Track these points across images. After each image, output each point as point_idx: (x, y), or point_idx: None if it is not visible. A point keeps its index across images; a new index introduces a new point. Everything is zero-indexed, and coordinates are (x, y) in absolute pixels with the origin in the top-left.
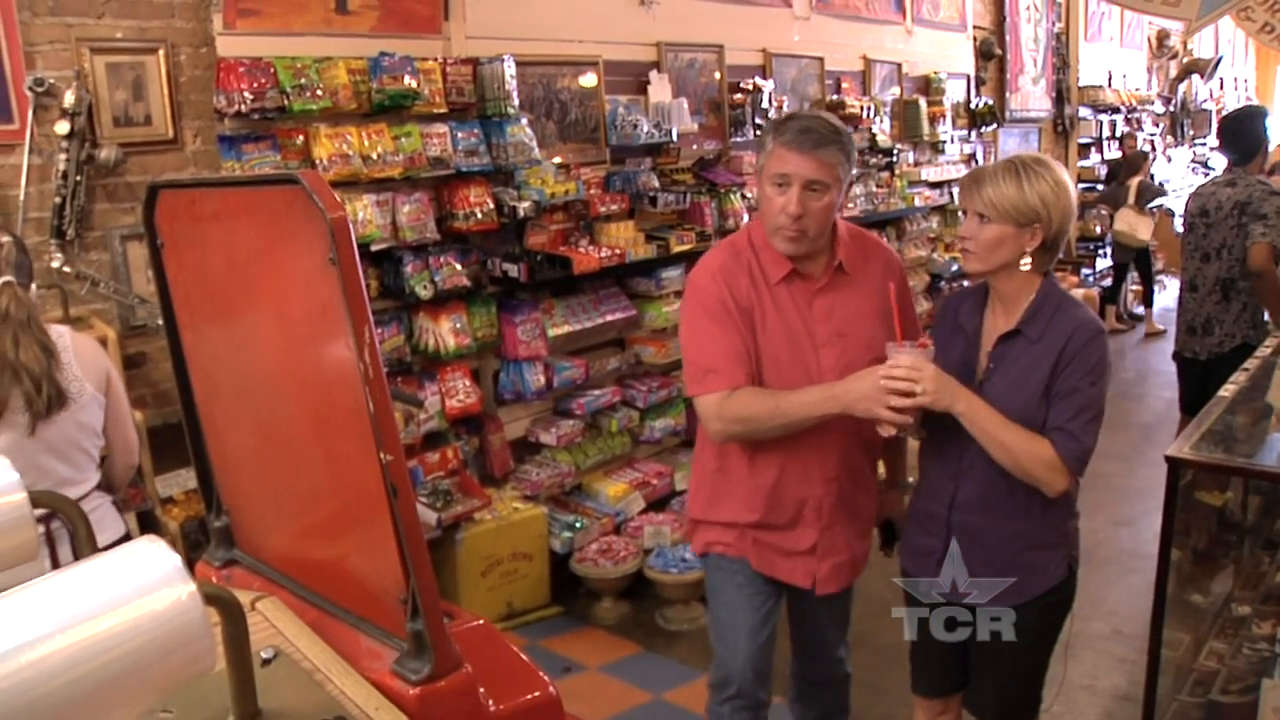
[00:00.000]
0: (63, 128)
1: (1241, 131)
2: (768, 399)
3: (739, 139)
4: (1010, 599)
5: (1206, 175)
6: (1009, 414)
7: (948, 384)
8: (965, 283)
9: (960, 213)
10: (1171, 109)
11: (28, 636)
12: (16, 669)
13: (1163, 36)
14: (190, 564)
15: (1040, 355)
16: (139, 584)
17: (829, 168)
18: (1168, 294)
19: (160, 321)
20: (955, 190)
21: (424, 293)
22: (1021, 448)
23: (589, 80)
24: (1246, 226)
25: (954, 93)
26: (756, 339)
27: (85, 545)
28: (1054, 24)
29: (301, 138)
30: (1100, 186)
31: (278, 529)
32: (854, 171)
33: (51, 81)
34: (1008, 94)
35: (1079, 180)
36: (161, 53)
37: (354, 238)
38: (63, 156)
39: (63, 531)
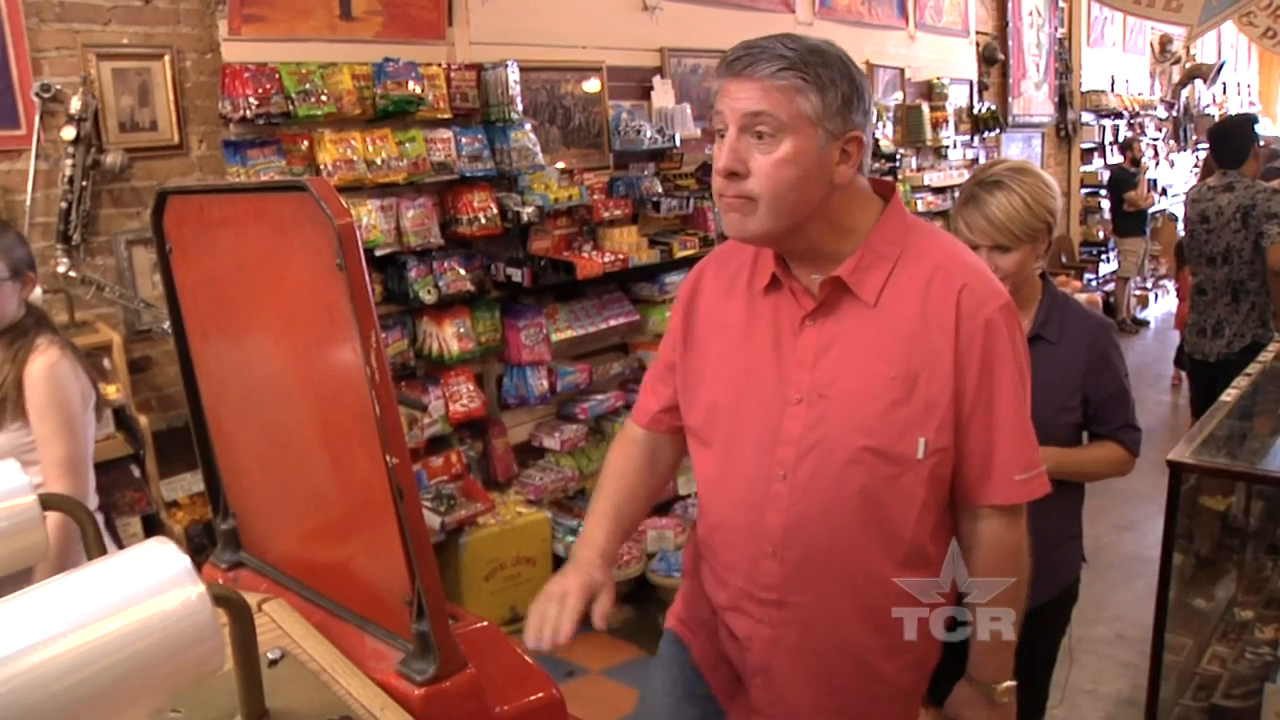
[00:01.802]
0: (69, 133)
1: (1229, 137)
2: (604, 480)
3: None
4: (1035, 599)
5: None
6: (1045, 416)
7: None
8: None
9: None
10: (1174, 114)
11: (39, 635)
12: (28, 667)
13: (1165, 41)
14: (195, 567)
15: (1065, 356)
16: (149, 584)
17: (779, 96)
18: (1168, 298)
19: (165, 326)
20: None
21: (428, 297)
22: (1099, 464)
23: (592, 86)
24: (1257, 229)
25: (957, 98)
26: (701, 365)
27: (94, 547)
28: (1056, 29)
29: (306, 143)
30: (1102, 190)
31: (284, 531)
32: (861, 119)
33: (58, 87)
34: (1010, 99)
35: (1081, 185)
36: (167, 59)
37: (360, 243)
38: (69, 162)
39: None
